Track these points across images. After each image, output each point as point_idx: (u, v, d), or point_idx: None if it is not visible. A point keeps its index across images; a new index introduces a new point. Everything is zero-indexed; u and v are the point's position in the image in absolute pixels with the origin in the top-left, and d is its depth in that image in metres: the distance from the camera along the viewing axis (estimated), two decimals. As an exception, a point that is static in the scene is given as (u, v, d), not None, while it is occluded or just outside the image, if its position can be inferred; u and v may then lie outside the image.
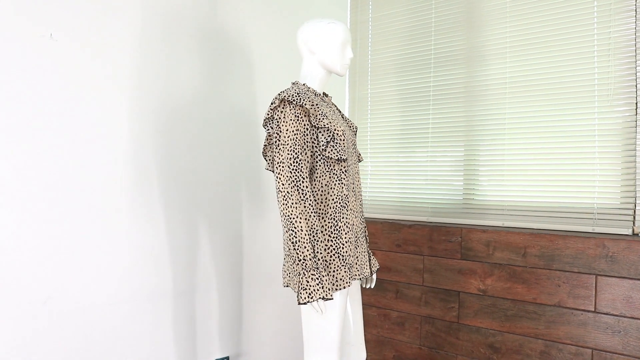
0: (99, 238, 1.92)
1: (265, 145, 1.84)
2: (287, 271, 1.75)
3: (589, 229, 2.24)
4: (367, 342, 2.91)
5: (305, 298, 1.59)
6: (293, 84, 1.85)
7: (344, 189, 1.77)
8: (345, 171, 1.78)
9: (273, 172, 1.84)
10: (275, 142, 1.70)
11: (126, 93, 2.00)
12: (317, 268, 1.62)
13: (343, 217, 1.75)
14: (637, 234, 2.13)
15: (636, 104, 2.15)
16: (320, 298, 1.60)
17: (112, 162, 1.96)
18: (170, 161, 2.15)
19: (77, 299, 1.86)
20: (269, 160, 1.85)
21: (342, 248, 1.73)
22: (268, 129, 1.78)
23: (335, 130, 1.72)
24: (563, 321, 2.21)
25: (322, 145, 1.72)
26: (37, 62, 1.75)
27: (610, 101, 2.21)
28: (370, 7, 3.07)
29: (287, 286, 1.76)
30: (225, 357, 2.37)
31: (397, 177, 2.91)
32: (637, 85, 2.14)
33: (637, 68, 2.14)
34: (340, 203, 1.76)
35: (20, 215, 1.71)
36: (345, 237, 1.74)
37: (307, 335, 1.74)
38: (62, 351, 1.82)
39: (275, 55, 2.64)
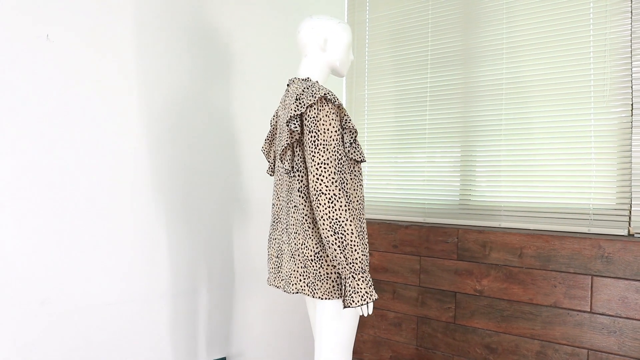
0: (96, 240, 1.92)
1: (287, 145, 1.67)
2: (301, 276, 1.66)
3: (585, 230, 2.25)
4: (364, 342, 2.91)
5: (358, 301, 1.55)
6: (304, 80, 1.74)
7: (362, 190, 1.78)
8: (361, 173, 1.80)
9: (289, 173, 1.70)
10: (312, 141, 1.60)
11: (124, 94, 2.00)
12: (365, 270, 1.58)
13: (364, 218, 1.76)
14: (633, 235, 2.14)
15: (632, 105, 2.15)
16: (375, 299, 1.58)
17: (109, 163, 1.96)
18: (168, 162, 2.15)
19: (74, 300, 1.85)
20: (289, 160, 1.69)
21: (366, 249, 1.74)
22: (295, 127, 1.63)
23: (356, 132, 1.71)
24: (559, 322, 2.21)
25: (347, 147, 1.69)
26: (33, 64, 1.75)
27: (606, 102, 2.22)
28: (368, 8, 3.07)
29: (298, 292, 1.67)
30: (222, 358, 2.36)
31: (394, 178, 2.91)
32: (633, 87, 2.15)
33: (633, 69, 2.15)
34: (362, 204, 1.77)
35: (18, 215, 1.71)
36: (366, 238, 1.76)
37: (332, 338, 1.68)
38: (60, 352, 1.81)
39: (273, 57, 2.64)
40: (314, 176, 1.58)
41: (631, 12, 2.16)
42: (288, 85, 1.82)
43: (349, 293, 1.57)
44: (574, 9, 2.31)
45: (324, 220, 1.56)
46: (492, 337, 2.41)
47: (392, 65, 2.94)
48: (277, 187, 1.84)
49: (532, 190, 2.41)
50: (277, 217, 1.83)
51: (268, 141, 1.92)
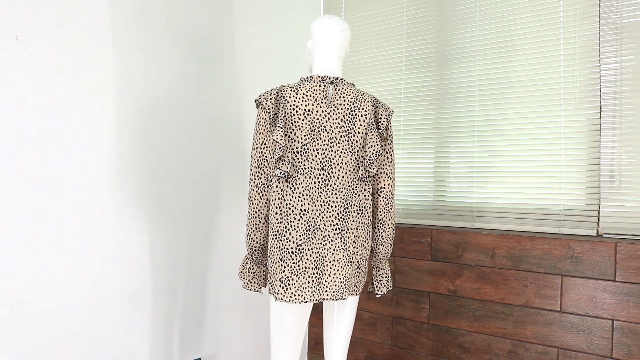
0: (66, 241, 1.89)
1: (379, 150, 1.71)
2: (353, 278, 1.74)
3: (555, 230, 2.28)
4: (339, 343, 2.92)
5: (390, 285, 1.88)
6: (351, 84, 1.75)
7: None
8: None
9: (366, 178, 1.73)
10: (388, 149, 1.80)
11: (99, 93, 1.97)
12: None
13: None
14: (601, 235, 2.18)
15: (600, 107, 2.19)
16: None
17: (81, 164, 1.93)
18: (142, 163, 2.13)
19: (44, 303, 1.82)
20: (375, 165, 1.73)
21: None
22: (382, 135, 1.80)
23: None
24: (530, 321, 2.24)
25: None
26: (2, 65, 1.72)
27: (575, 104, 2.26)
28: (343, 10, 3.08)
29: (352, 294, 1.78)
30: (197, 359, 2.35)
31: (369, 179, 2.92)
32: (602, 89, 2.19)
33: (602, 72, 2.19)
34: None
35: (-20, 218, 1.67)
36: None
37: (351, 332, 1.92)
38: (30, 356, 1.78)
39: (253, 56, 2.63)
40: (392, 181, 1.81)
41: (599, 16, 2.20)
42: (332, 82, 1.69)
43: (387, 278, 1.87)
44: (545, 12, 2.34)
45: (392, 220, 1.82)
46: (465, 337, 2.43)
47: (367, 67, 2.95)
48: (311, 190, 1.66)
49: (504, 191, 2.43)
50: (313, 224, 1.65)
51: (283, 136, 1.65)
